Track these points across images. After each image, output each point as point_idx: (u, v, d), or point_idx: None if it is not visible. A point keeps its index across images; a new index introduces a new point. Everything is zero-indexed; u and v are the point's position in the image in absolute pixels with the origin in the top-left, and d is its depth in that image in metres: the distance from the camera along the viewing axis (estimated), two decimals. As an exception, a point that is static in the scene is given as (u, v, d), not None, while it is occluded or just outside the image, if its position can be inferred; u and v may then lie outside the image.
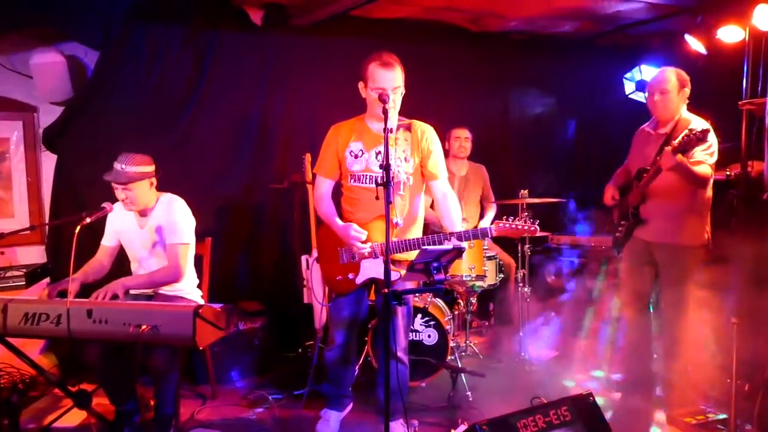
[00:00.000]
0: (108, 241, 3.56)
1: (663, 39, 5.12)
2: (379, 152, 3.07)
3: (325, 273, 3.28)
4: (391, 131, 2.86)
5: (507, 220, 2.95)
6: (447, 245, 2.72)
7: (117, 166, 3.29)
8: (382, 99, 2.73)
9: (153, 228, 3.42)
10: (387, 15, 4.62)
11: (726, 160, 3.98)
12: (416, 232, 3.22)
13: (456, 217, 3.13)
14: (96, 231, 3.57)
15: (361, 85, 3.07)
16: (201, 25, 4.37)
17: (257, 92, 4.63)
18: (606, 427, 2.64)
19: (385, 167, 2.54)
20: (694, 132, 3.16)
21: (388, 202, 2.49)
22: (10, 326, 2.87)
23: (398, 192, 3.07)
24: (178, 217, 3.42)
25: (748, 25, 3.82)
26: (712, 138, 3.37)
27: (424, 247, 2.68)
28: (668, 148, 3.24)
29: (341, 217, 3.21)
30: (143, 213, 3.43)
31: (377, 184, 2.60)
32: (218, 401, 3.86)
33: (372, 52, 3.04)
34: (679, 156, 3.21)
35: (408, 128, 3.14)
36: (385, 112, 2.68)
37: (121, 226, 3.49)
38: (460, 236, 2.93)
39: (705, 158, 3.35)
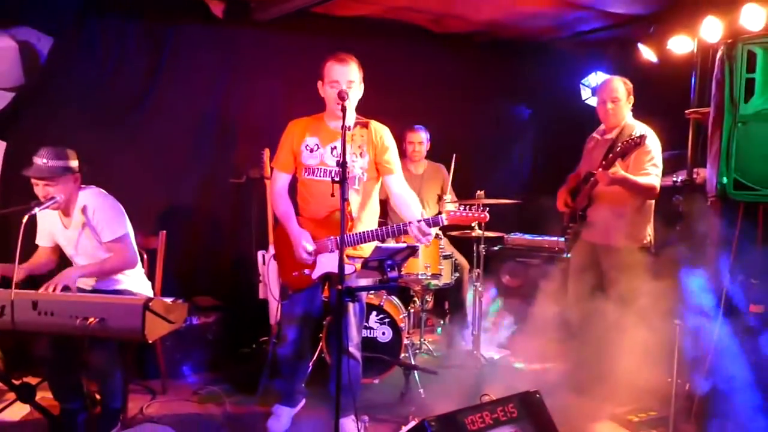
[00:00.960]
0: (42, 242, 3.43)
1: (618, 46, 5.26)
2: (335, 147, 3.11)
3: (281, 269, 3.28)
4: (349, 128, 2.88)
5: (458, 208, 2.98)
6: (401, 244, 2.75)
7: (38, 160, 3.12)
8: (341, 96, 2.74)
9: (78, 226, 3.28)
10: (349, 12, 4.63)
11: (673, 167, 4.14)
12: (371, 225, 3.23)
13: (416, 209, 3.14)
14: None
15: (319, 84, 3.12)
16: (159, 17, 4.31)
17: (216, 86, 4.60)
18: (551, 424, 2.69)
19: (342, 164, 2.57)
20: (632, 138, 3.35)
21: (344, 199, 2.51)
22: (-49, 317, 2.79)
23: (353, 186, 3.11)
24: (105, 212, 3.28)
25: (697, 37, 3.97)
26: (654, 146, 3.54)
27: (378, 245, 2.72)
28: (600, 169, 3.41)
29: (296, 210, 3.23)
30: (66, 212, 3.29)
31: (333, 181, 2.61)
32: (169, 396, 3.82)
33: (331, 51, 3.08)
34: (619, 171, 3.38)
35: (365, 126, 3.18)
36: (343, 109, 2.70)
37: (49, 224, 3.36)
38: (406, 229, 2.94)
39: (650, 169, 3.51)
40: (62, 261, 3.48)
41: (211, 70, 4.57)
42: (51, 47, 4.07)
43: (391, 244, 2.92)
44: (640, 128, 3.61)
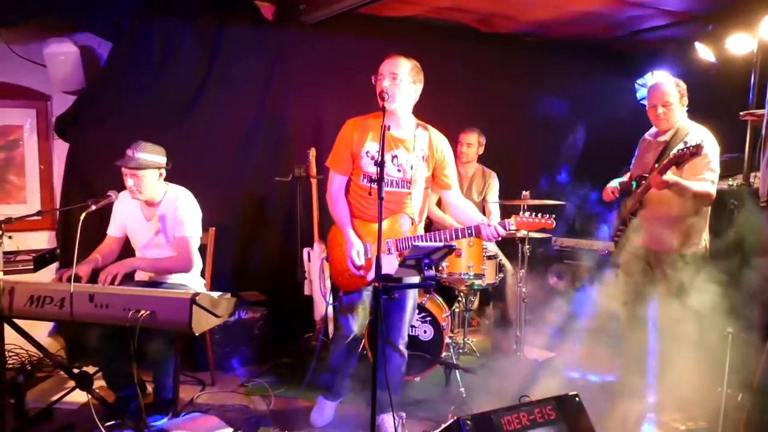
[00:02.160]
0: (113, 232, 3.64)
1: (675, 46, 5.10)
2: (395, 156, 3.10)
3: (335, 272, 3.26)
4: (389, 129, 2.89)
5: (524, 214, 3.02)
6: (438, 243, 2.77)
7: (129, 152, 3.36)
8: (381, 96, 2.77)
9: (158, 220, 3.49)
10: (396, 13, 4.66)
11: (730, 171, 3.99)
12: (422, 230, 3.27)
13: (477, 215, 3.17)
14: (103, 218, 3.67)
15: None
16: (211, 19, 4.45)
17: (265, 87, 4.70)
18: (590, 428, 2.67)
19: (380, 164, 2.61)
20: (688, 147, 3.16)
21: (381, 198, 2.54)
22: (16, 308, 2.95)
23: (413, 190, 3.12)
24: (187, 210, 3.50)
25: (757, 36, 3.82)
26: (712, 150, 3.37)
27: (415, 244, 2.73)
28: (656, 172, 3.27)
29: (355, 211, 3.20)
30: (150, 203, 3.50)
31: (371, 180, 2.63)
32: (217, 388, 3.95)
33: (378, 52, 3.10)
34: (671, 176, 3.24)
35: (425, 129, 3.18)
36: (383, 108, 2.73)
37: (126, 216, 3.57)
38: (479, 229, 2.96)
39: (706, 174, 3.36)
40: (123, 253, 3.65)
41: (260, 71, 4.68)
42: (110, 52, 4.27)
43: (428, 242, 2.93)
44: (695, 130, 3.45)
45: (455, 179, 3.27)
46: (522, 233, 4.39)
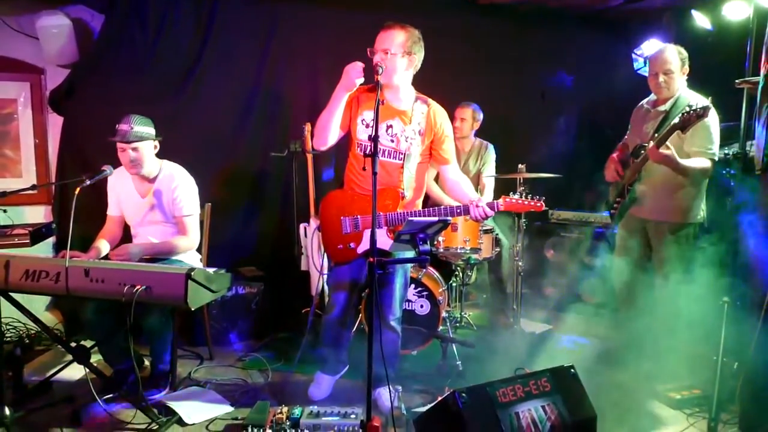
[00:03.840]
0: (113, 211, 3.64)
1: (671, 14, 5.03)
2: (390, 126, 3.09)
3: (327, 241, 3.28)
4: (383, 103, 2.87)
5: (513, 195, 3.00)
6: (433, 218, 2.76)
7: (124, 126, 3.34)
8: (375, 70, 2.74)
9: (153, 196, 3.48)
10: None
11: (727, 140, 3.96)
12: (420, 205, 3.26)
13: (472, 193, 3.16)
14: (101, 192, 3.67)
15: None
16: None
17: (260, 60, 4.65)
18: (585, 398, 2.69)
19: (374, 138, 2.57)
20: (694, 109, 3.11)
21: (374, 173, 2.52)
22: (12, 282, 2.98)
23: (407, 164, 3.10)
24: (185, 189, 3.50)
25: (753, 1, 3.76)
26: (713, 120, 3.33)
27: (410, 219, 2.72)
28: (654, 144, 3.23)
29: (348, 182, 3.20)
30: (145, 179, 3.49)
31: (365, 155, 2.61)
32: (215, 362, 3.98)
33: (373, 25, 3.05)
34: (672, 154, 3.21)
35: (425, 103, 3.16)
36: (376, 82, 2.70)
37: (121, 192, 3.56)
38: (467, 209, 2.97)
39: (706, 147, 3.33)
40: (125, 233, 3.67)
41: (255, 45, 4.63)
42: (103, 24, 4.21)
43: (422, 217, 2.92)
44: (696, 100, 3.40)
45: (453, 154, 3.26)
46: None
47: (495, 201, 2.98)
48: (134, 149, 3.37)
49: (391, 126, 3.10)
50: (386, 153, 3.10)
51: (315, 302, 4.02)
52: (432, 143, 3.18)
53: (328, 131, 3.08)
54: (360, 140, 3.13)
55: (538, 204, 3.01)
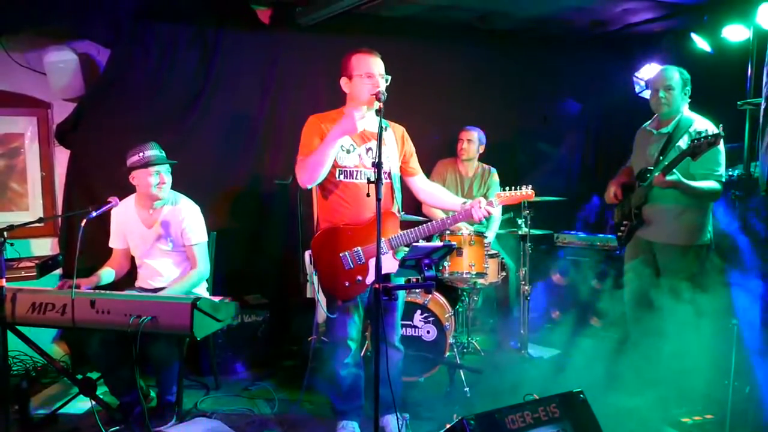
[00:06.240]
0: (116, 244, 3.65)
1: (671, 37, 5.09)
2: (370, 149, 3.11)
3: (331, 283, 3.06)
4: (386, 129, 2.90)
5: (505, 191, 3.07)
6: (438, 243, 2.76)
7: (149, 152, 3.41)
8: (378, 97, 2.72)
9: (161, 226, 3.49)
10: (394, 13, 4.64)
11: (730, 161, 3.96)
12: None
13: (452, 196, 3.26)
14: (107, 223, 3.69)
15: (343, 80, 3.08)
16: (208, 24, 4.45)
17: (263, 90, 4.70)
18: (595, 424, 2.65)
19: (378, 165, 2.58)
20: (705, 137, 3.13)
21: (378, 199, 2.53)
22: (19, 315, 2.98)
23: (396, 186, 3.14)
24: (194, 216, 3.54)
25: (752, 25, 3.81)
26: (720, 144, 3.33)
27: (415, 245, 2.73)
28: (661, 173, 3.27)
29: (333, 216, 3.11)
30: (150, 208, 3.51)
31: (369, 181, 2.62)
32: (221, 392, 3.95)
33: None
34: (674, 177, 3.25)
35: (388, 122, 3.19)
36: (380, 110, 2.70)
37: (126, 224, 3.57)
38: (469, 213, 3.00)
39: (714, 170, 3.36)
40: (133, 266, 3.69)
41: (258, 74, 4.68)
42: (109, 57, 4.28)
43: (427, 243, 2.93)
44: (699, 123, 3.44)
45: (418, 165, 3.34)
46: (523, 231, 4.38)
47: (491, 199, 3.05)
48: (162, 172, 3.43)
49: (370, 149, 3.12)
50: (370, 177, 3.07)
51: (321, 330, 4.00)
52: (403, 159, 3.25)
53: (321, 170, 3.02)
54: (343, 166, 3.07)
55: (529, 192, 3.07)
